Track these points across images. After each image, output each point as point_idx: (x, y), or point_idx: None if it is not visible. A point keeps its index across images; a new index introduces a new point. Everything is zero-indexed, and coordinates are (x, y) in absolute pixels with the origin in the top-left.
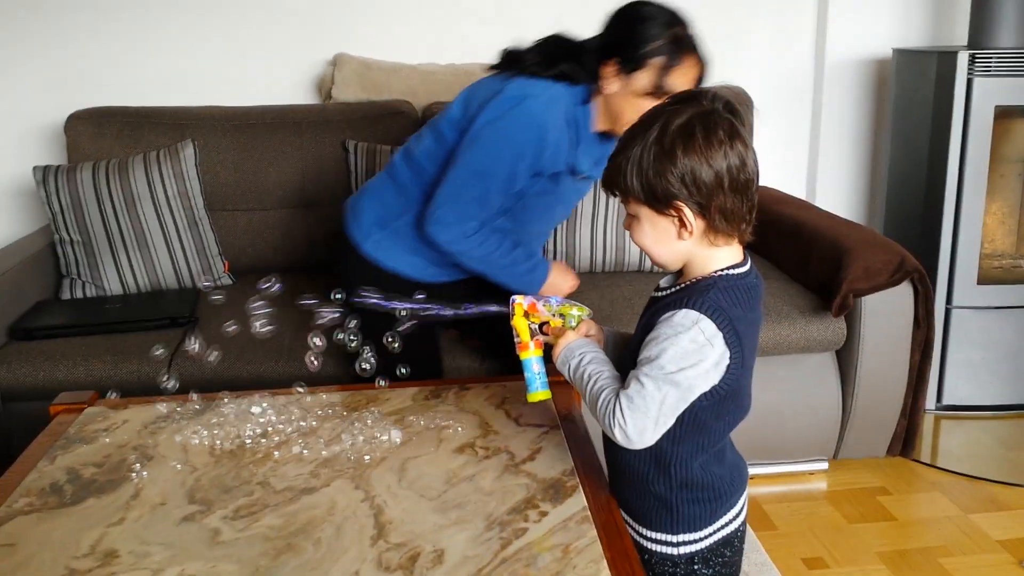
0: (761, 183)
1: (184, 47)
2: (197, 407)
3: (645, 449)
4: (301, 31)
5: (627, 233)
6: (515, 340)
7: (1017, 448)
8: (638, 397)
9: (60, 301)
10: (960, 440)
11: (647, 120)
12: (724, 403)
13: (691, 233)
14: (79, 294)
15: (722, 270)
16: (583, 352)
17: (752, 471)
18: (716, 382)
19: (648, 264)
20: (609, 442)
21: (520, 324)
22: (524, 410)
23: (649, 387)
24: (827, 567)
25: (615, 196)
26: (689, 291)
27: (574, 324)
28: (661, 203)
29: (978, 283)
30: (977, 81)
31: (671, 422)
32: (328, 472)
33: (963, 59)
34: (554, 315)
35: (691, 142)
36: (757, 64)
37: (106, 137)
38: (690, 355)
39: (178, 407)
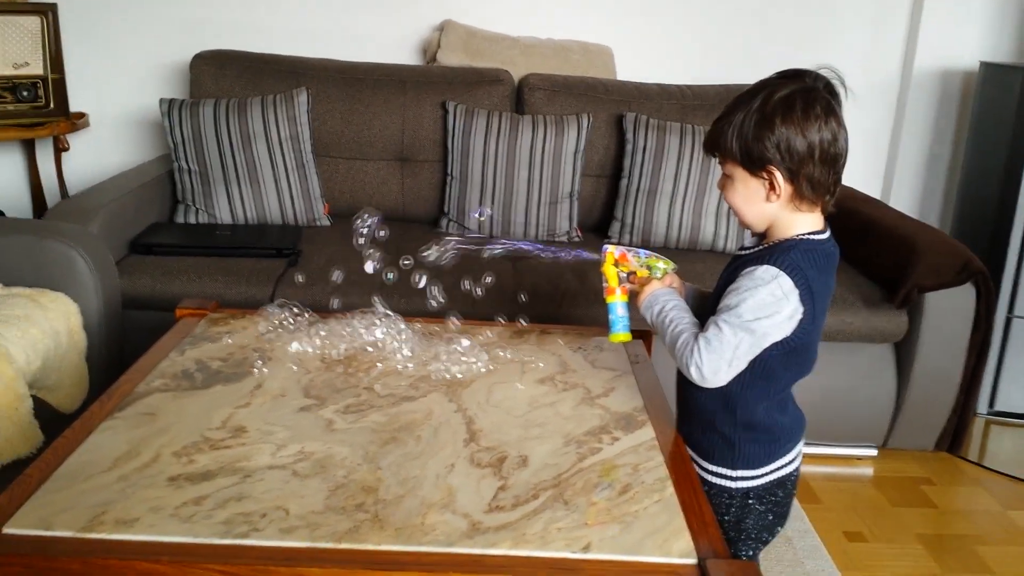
0: None
1: (304, 2)
2: (310, 322)
3: (716, 390)
4: None
5: (703, 212)
6: (603, 285)
7: None
8: (716, 340)
9: (174, 224)
10: (1008, 445)
11: (753, 91)
12: (792, 355)
13: (779, 196)
14: (192, 220)
15: (803, 234)
16: (666, 299)
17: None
18: (788, 334)
19: (721, 244)
20: (681, 382)
21: (609, 271)
22: (599, 355)
23: (727, 332)
24: (867, 541)
25: (714, 156)
26: (772, 250)
27: (659, 276)
28: (756, 165)
29: None
30: None
31: (743, 366)
32: (425, 386)
33: None
34: (641, 266)
35: (790, 113)
36: (847, 65)
37: (227, 78)
38: (767, 307)
39: (291, 320)
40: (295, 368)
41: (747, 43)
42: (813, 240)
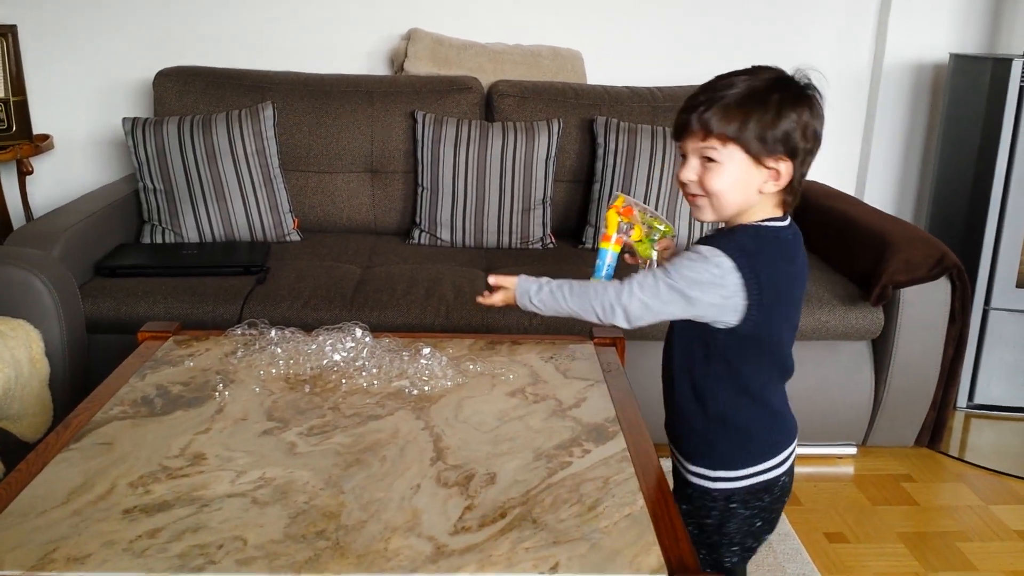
0: (812, 177)
1: (267, 15)
2: (273, 341)
3: (686, 383)
4: (379, 5)
5: (676, 212)
6: (602, 230)
7: None
8: (649, 282)
9: (140, 244)
10: (989, 438)
11: (746, 77)
12: (748, 347)
13: (777, 186)
14: (158, 239)
15: (759, 221)
16: (539, 279)
17: None
18: (734, 322)
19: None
20: (666, 381)
21: (612, 217)
22: (572, 364)
23: (662, 278)
24: (848, 542)
25: (704, 139)
26: (723, 232)
27: (656, 237)
28: (769, 151)
29: (1017, 286)
30: None
31: (660, 319)
32: (392, 403)
33: (1017, 66)
34: (643, 224)
35: (808, 106)
36: (817, 61)
37: (191, 94)
38: (703, 283)
39: (256, 340)
40: (258, 390)
41: (716, 42)
42: (767, 227)
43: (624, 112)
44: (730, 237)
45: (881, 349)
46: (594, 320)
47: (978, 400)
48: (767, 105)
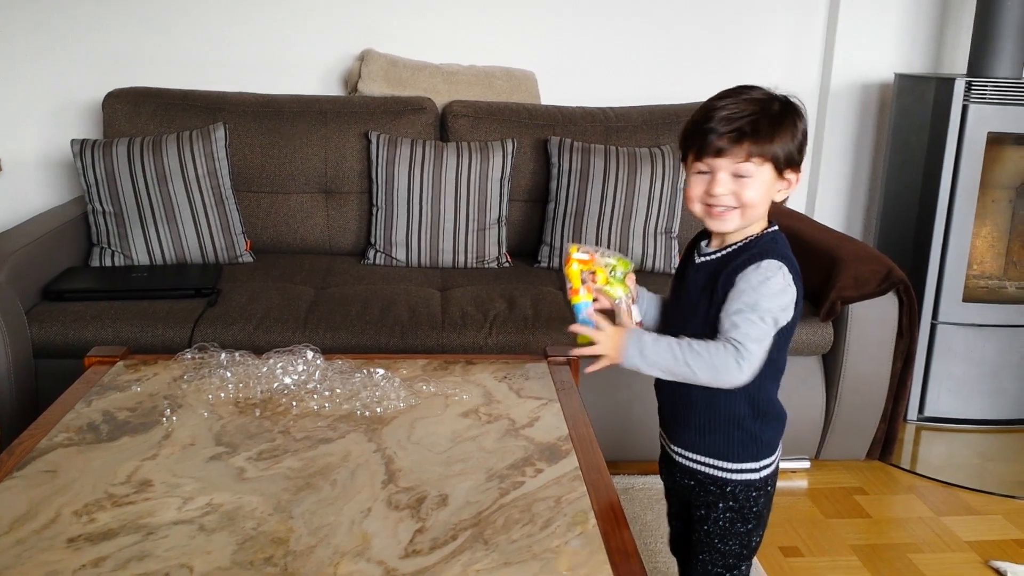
0: None
1: (219, 35)
2: (223, 365)
3: (739, 393)
4: (331, 26)
5: (630, 232)
6: (567, 286)
7: (994, 460)
8: (754, 332)
9: (89, 268)
10: (939, 450)
11: (757, 95)
12: (786, 335)
13: (787, 193)
14: (108, 262)
15: (766, 229)
16: (641, 332)
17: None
18: (791, 319)
19: (649, 262)
20: (682, 399)
21: (571, 271)
22: (525, 383)
23: (758, 322)
24: (802, 556)
25: (746, 158)
26: (758, 245)
27: (620, 275)
28: (789, 164)
29: (963, 300)
30: (972, 107)
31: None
32: (343, 426)
33: (960, 86)
34: (604, 265)
35: (802, 122)
36: (765, 81)
37: (141, 116)
38: (779, 295)
39: (206, 364)
40: (207, 414)
41: (667, 64)
42: (775, 231)
43: (578, 132)
44: (769, 247)
45: (831, 364)
46: (715, 386)
47: (928, 413)
48: (785, 125)
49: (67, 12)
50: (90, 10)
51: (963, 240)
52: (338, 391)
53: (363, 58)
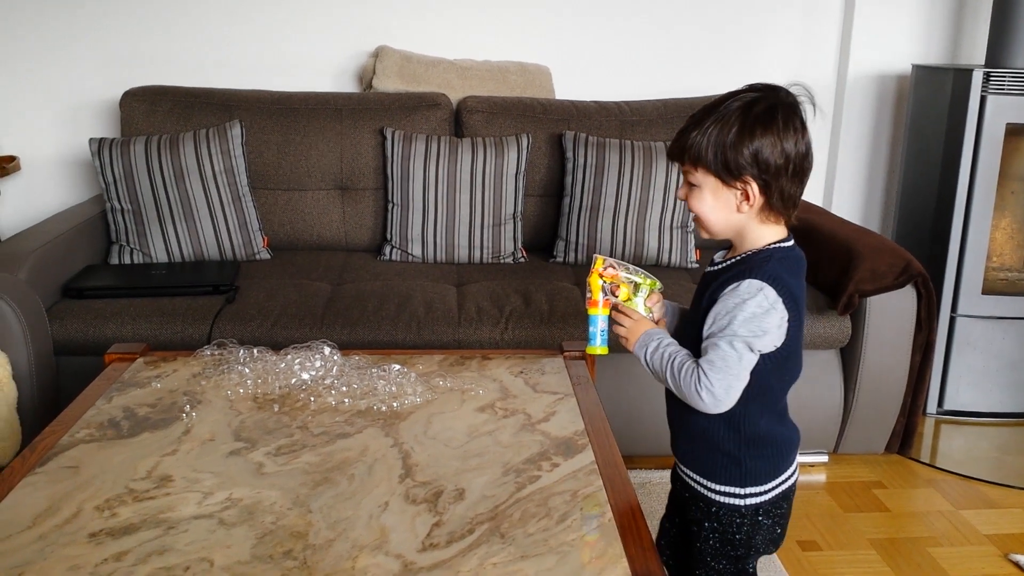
0: None
1: (235, 33)
2: (241, 361)
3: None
4: (346, 23)
5: (646, 226)
6: (586, 295)
7: (1013, 453)
8: (719, 360)
9: (108, 265)
10: (959, 444)
11: (726, 101)
12: (783, 364)
13: (751, 207)
14: (126, 260)
15: (773, 244)
16: (660, 336)
17: None
18: (779, 344)
19: (665, 257)
20: (676, 406)
21: (594, 282)
22: (541, 378)
23: (726, 349)
24: (820, 550)
25: (681, 164)
26: (747, 263)
27: (645, 294)
28: (731, 175)
29: (983, 293)
30: (990, 98)
31: (747, 380)
32: (361, 421)
33: (978, 77)
34: (628, 281)
35: (771, 125)
36: (781, 74)
37: (158, 114)
38: (757, 319)
39: (223, 361)
40: (226, 410)
41: (682, 57)
42: (784, 248)
43: (592, 126)
44: (760, 265)
45: (850, 357)
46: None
47: (947, 406)
48: (727, 129)
49: (84, 12)
50: (107, 10)
51: (982, 232)
52: (355, 386)
53: (377, 54)
